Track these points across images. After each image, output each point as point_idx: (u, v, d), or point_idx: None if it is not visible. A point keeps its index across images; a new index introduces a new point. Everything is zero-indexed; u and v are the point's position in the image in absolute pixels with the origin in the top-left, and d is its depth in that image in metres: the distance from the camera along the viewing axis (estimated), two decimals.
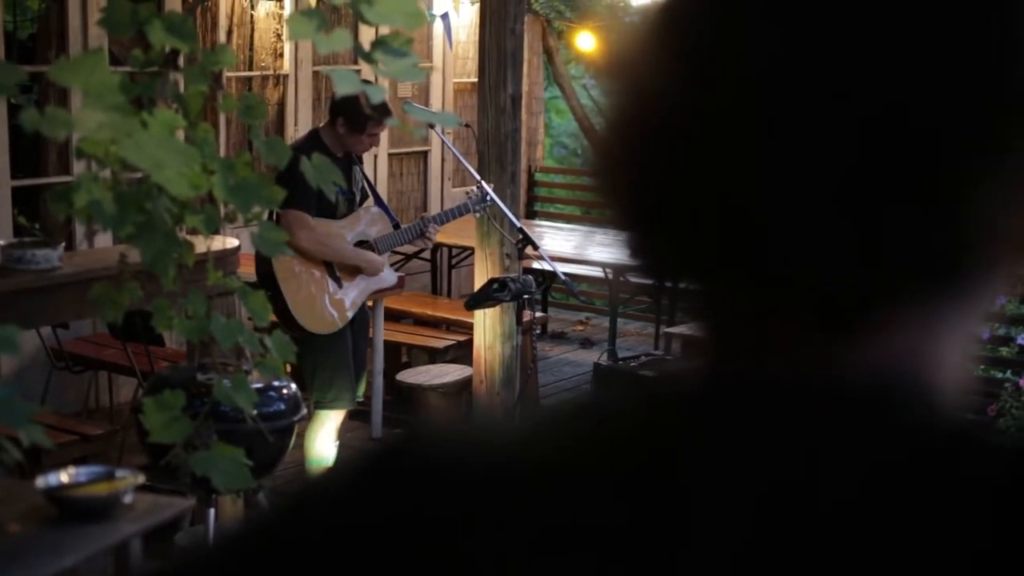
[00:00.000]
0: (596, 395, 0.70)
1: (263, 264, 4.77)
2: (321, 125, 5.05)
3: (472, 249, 5.90)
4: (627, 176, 0.62)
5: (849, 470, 0.56)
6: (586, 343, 8.23)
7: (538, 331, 7.66)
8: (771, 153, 0.56)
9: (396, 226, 5.19)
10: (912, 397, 0.59)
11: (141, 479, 3.07)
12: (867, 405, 0.58)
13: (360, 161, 5.13)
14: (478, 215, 5.24)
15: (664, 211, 0.61)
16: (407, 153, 8.37)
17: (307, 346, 4.51)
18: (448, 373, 6.01)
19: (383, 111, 4.42)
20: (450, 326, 6.78)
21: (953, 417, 0.59)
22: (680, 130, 0.59)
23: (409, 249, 6.55)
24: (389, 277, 5.27)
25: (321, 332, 4.88)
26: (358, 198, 5.09)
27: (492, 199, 5.06)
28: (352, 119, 4.78)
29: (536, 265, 6.10)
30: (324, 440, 4.99)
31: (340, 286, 4.98)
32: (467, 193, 5.22)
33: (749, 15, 0.57)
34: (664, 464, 0.59)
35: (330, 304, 4.94)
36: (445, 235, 6.09)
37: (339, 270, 4.99)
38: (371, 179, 5.46)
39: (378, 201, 5.24)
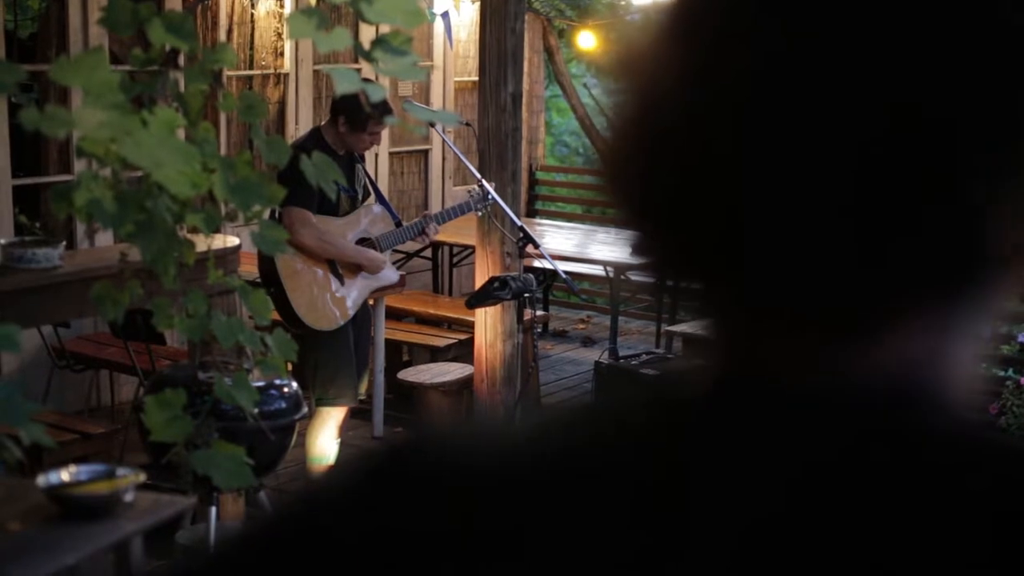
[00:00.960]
0: (599, 398, 0.69)
1: (265, 262, 4.77)
2: (323, 123, 5.05)
3: (473, 248, 5.90)
4: (633, 175, 0.62)
5: (858, 475, 0.56)
6: (587, 341, 8.23)
7: (539, 329, 7.65)
8: (778, 154, 0.56)
9: (398, 224, 5.19)
10: (923, 402, 0.58)
11: (142, 477, 3.07)
12: (877, 410, 0.58)
13: (362, 159, 5.12)
14: (479, 214, 5.24)
15: (669, 211, 0.60)
16: (408, 152, 8.36)
17: (310, 343, 4.51)
18: (449, 372, 6.00)
19: (383, 110, 4.41)
20: (451, 324, 6.77)
21: (964, 421, 0.58)
22: (687, 130, 0.58)
23: (411, 247, 6.54)
24: (391, 275, 5.27)
25: (324, 329, 4.88)
26: (360, 196, 5.09)
27: (493, 198, 5.06)
28: (353, 117, 4.78)
29: (537, 263, 6.10)
30: (326, 438, 4.99)
31: (342, 283, 4.98)
32: (468, 192, 5.22)
33: (757, 15, 0.57)
34: (671, 470, 0.58)
35: (332, 301, 4.93)
36: (446, 234, 6.09)
37: (341, 267, 4.98)
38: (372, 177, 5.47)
39: (380, 199, 5.24)
